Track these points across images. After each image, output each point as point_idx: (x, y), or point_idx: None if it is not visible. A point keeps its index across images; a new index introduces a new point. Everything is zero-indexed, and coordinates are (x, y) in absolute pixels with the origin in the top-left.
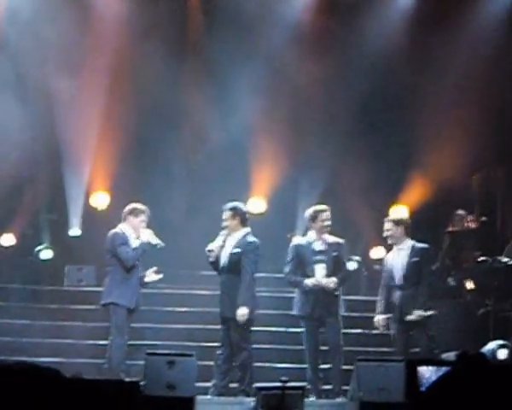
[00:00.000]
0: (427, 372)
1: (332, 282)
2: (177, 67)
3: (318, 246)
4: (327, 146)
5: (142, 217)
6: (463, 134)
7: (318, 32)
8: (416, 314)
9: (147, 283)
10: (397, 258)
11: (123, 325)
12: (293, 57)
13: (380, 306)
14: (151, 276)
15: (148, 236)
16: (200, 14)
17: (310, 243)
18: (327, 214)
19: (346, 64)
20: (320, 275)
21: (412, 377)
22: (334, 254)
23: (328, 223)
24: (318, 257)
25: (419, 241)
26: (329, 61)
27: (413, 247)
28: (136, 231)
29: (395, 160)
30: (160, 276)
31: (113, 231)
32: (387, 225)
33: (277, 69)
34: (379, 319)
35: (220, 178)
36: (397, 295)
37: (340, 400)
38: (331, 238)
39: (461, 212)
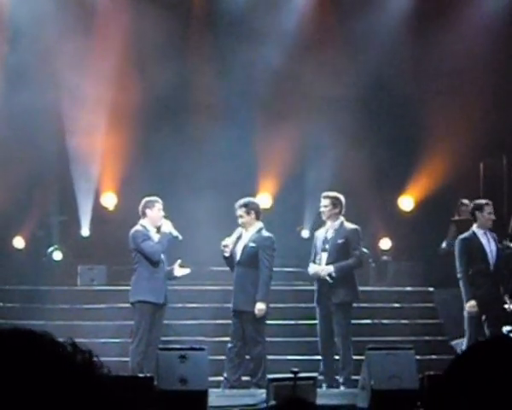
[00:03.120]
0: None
1: (325, 270)
2: (182, 62)
3: (330, 234)
4: (333, 137)
5: (158, 206)
6: (468, 123)
7: (323, 22)
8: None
9: (177, 277)
10: (486, 243)
11: (147, 322)
12: (298, 49)
13: (470, 291)
14: (180, 270)
15: (170, 226)
16: None
17: (326, 232)
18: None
19: (351, 56)
20: (323, 263)
21: None
22: (340, 241)
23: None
24: (325, 245)
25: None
26: (335, 54)
27: (494, 237)
28: (156, 223)
29: (401, 150)
30: (188, 270)
31: (134, 228)
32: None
33: (283, 61)
34: (473, 304)
35: (227, 176)
36: (485, 280)
37: (351, 389)
38: (339, 225)
39: (466, 201)
